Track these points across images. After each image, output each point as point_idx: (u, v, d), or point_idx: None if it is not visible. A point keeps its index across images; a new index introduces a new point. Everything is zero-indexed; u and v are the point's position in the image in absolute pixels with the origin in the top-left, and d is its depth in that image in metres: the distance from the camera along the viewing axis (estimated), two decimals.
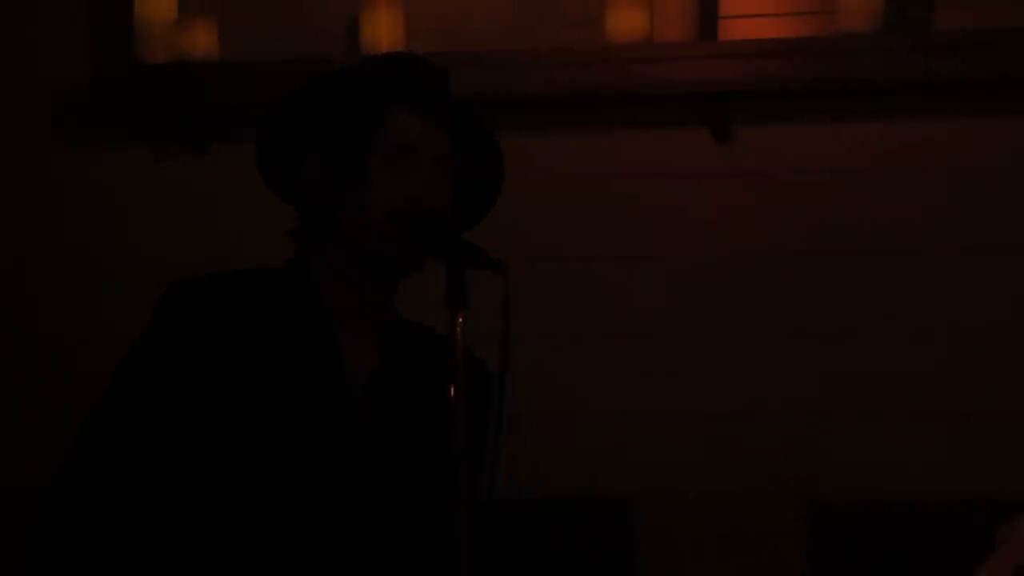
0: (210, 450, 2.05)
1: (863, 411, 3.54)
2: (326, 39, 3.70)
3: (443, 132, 2.17)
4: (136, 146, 3.77)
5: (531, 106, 3.61)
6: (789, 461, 3.55)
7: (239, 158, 3.58)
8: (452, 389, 1.90)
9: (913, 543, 3.39)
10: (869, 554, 3.42)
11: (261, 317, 2.11)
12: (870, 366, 3.54)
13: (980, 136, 3.53)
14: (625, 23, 3.54)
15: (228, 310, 2.10)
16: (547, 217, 3.63)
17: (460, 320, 1.93)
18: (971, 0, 3.53)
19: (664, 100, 3.58)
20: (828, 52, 3.49)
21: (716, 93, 3.54)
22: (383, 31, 3.58)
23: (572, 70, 3.56)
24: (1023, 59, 3.44)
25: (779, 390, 3.57)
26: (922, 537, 3.38)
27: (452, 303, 1.94)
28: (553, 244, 3.64)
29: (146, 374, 2.07)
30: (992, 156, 3.53)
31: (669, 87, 3.54)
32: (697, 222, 3.62)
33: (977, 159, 3.53)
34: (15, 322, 3.79)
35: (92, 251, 3.77)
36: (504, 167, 2.28)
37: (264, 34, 3.74)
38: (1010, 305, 3.51)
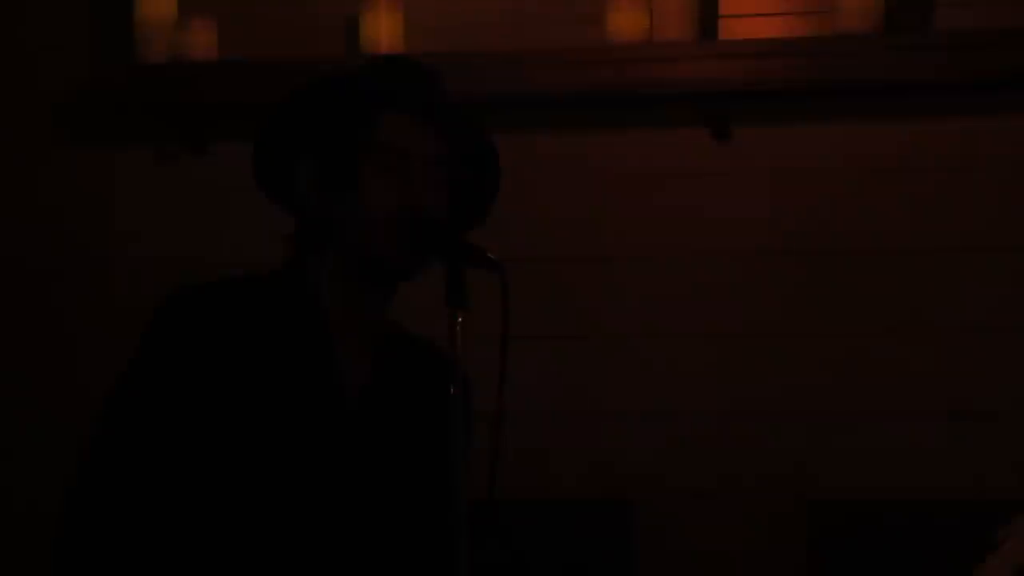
0: (208, 457, 2.06)
1: (863, 411, 3.54)
2: (326, 39, 3.70)
3: (436, 133, 2.16)
4: (136, 146, 3.77)
5: (531, 106, 3.61)
6: (789, 461, 3.55)
7: (239, 158, 3.57)
8: (451, 388, 1.91)
9: (913, 543, 3.39)
10: (868, 554, 3.42)
11: (258, 326, 2.11)
12: (870, 365, 3.54)
13: (980, 136, 3.53)
14: (625, 23, 3.54)
15: (226, 320, 2.09)
16: (547, 217, 3.63)
17: (459, 319, 1.93)
18: (971, 0, 3.53)
19: (664, 100, 3.58)
20: (828, 52, 3.49)
21: (716, 93, 3.54)
22: (383, 31, 3.58)
23: (572, 70, 3.56)
24: (1023, 59, 3.44)
25: (779, 390, 3.57)
26: (922, 537, 3.38)
27: (452, 302, 1.95)
28: (553, 244, 3.64)
29: (150, 383, 2.07)
30: (992, 156, 3.53)
31: (669, 87, 3.54)
32: (697, 222, 3.62)
33: (977, 159, 3.53)
34: (15, 322, 3.79)
35: (92, 250, 3.78)
36: (500, 166, 2.27)
37: (264, 34, 3.74)
38: (1012, 304, 3.51)
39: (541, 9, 3.67)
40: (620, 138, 3.64)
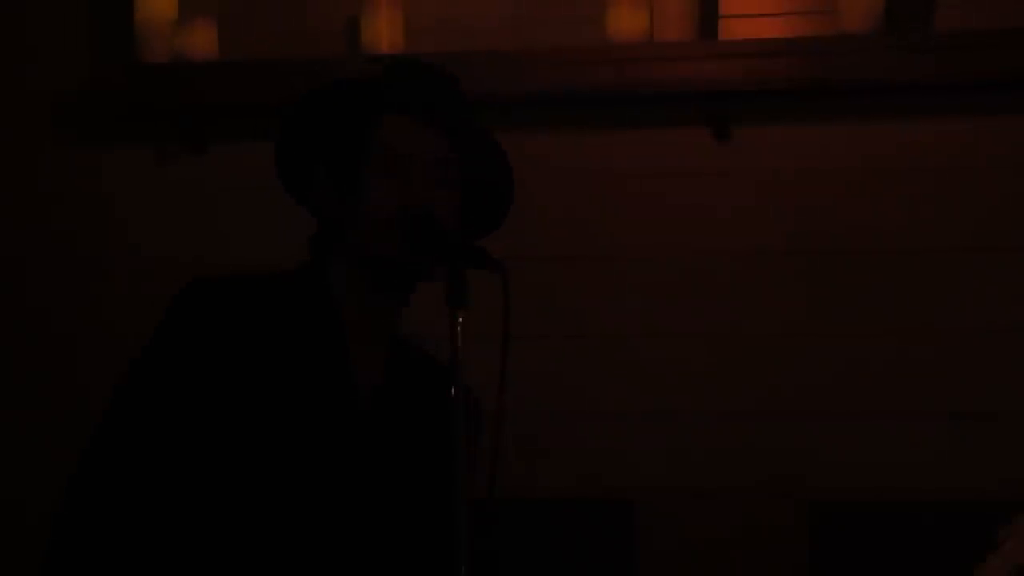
0: (217, 450, 2.07)
1: (863, 411, 3.54)
2: (326, 39, 3.70)
3: (440, 135, 2.16)
4: (136, 146, 3.77)
5: (531, 106, 3.61)
6: (789, 461, 3.55)
7: (239, 158, 3.62)
8: (452, 391, 1.92)
9: (913, 543, 3.39)
10: (869, 554, 3.42)
11: (275, 322, 2.12)
12: (871, 365, 3.54)
13: (980, 136, 3.53)
14: (625, 23, 3.54)
15: (243, 313, 2.11)
16: (547, 217, 3.63)
17: (460, 319, 1.94)
18: (971, 0, 3.53)
19: (664, 100, 3.58)
20: (828, 52, 3.49)
21: (716, 93, 3.54)
22: (383, 31, 3.58)
23: (572, 70, 3.56)
24: (1023, 59, 3.44)
25: (779, 389, 3.57)
26: (922, 537, 3.38)
27: (452, 302, 1.95)
28: (553, 244, 3.64)
29: (163, 372, 2.08)
30: (992, 156, 3.53)
31: (669, 87, 3.54)
32: (697, 222, 3.62)
33: (976, 159, 3.53)
34: (15, 322, 3.79)
35: (92, 251, 3.77)
36: (511, 169, 2.27)
37: (264, 34, 3.74)
38: (1012, 304, 3.51)
39: (541, 9, 3.67)
40: (620, 138, 3.64)
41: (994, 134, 3.53)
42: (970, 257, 3.53)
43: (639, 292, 3.63)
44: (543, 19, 3.66)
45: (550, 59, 3.57)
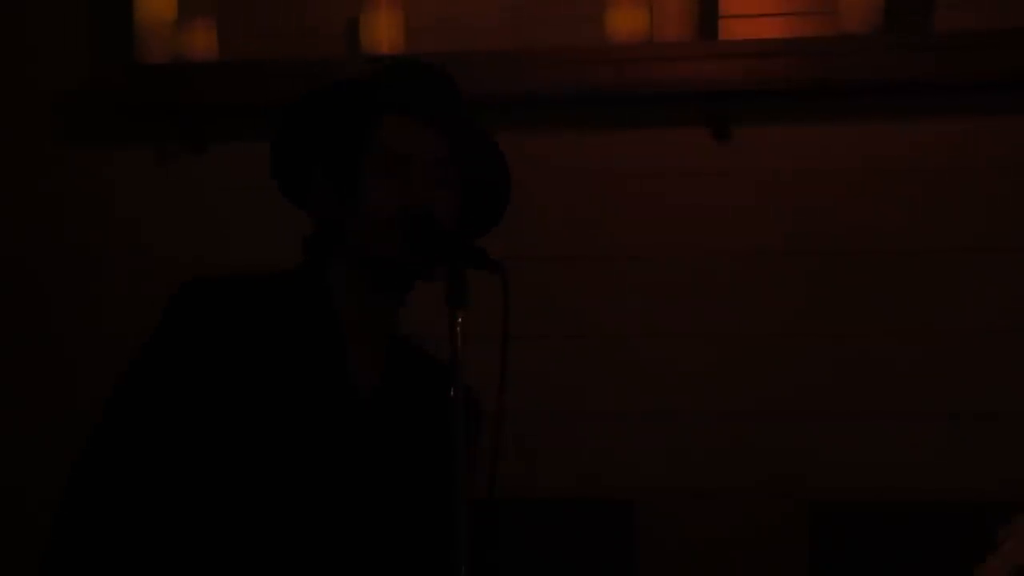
0: (215, 451, 2.07)
1: (863, 411, 3.54)
2: (326, 39, 3.71)
3: (440, 135, 2.17)
4: (136, 146, 3.77)
5: (531, 106, 3.61)
6: (789, 461, 3.55)
7: (239, 158, 3.62)
8: (452, 390, 1.92)
9: (913, 543, 3.39)
10: (868, 554, 3.42)
11: (273, 322, 2.12)
12: (871, 365, 3.54)
13: (980, 136, 3.53)
14: (625, 23, 3.54)
15: (241, 313, 2.11)
16: (546, 217, 3.63)
17: (460, 319, 1.94)
18: (971, 0, 3.53)
19: (664, 100, 3.58)
20: (828, 52, 3.49)
21: (716, 93, 3.54)
22: (383, 31, 3.58)
23: (572, 70, 3.56)
24: (1023, 59, 3.44)
25: (779, 390, 3.57)
26: (922, 537, 3.38)
27: (452, 302, 1.95)
28: (552, 244, 3.64)
29: (161, 372, 2.09)
30: (992, 156, 3.53)
31: (669, 87, 3.54)
32: (697, 222, 3.62)
33: (976, 159, 3.53)
34: (15, 322, 3.79)
35: (92, 251, 3.78)
36: (508, 169, 2.27)
37: (264, 34, 3.74)
38: (1012, 304, 3.51)
39: (541, 9, 3.67)
40: (620, 138, 3.64)
41: (994, 134, 3.53)
42: (970, 257, 3.53)
43: (639, 292, 3.63)
44: (543, 19, 3.66)
45: (550, 59, 3.57)
